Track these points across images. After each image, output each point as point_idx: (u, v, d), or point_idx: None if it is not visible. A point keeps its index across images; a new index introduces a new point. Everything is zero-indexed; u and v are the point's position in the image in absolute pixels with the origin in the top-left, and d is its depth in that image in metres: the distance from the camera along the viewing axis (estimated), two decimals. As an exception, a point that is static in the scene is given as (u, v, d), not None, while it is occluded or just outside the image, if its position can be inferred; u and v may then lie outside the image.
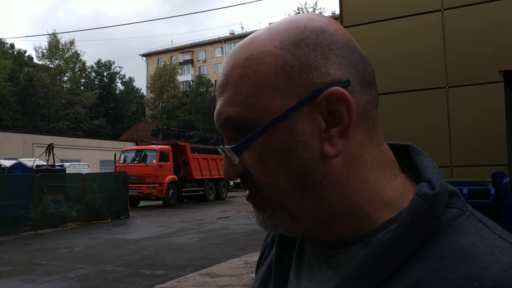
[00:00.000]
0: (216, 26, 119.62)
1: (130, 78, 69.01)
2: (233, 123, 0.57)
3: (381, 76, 6.98)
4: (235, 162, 0.57)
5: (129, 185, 17.93)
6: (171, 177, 21.16)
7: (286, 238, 0.65)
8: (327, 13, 47.63)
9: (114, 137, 50.61)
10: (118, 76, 64.62)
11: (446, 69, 6.67)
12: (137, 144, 30.00)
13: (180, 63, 68.88)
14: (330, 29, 0.58)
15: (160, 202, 21.79)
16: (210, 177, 23.58)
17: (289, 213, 0.56)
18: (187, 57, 70.86)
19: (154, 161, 20.81)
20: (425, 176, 0.56)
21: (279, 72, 0.55)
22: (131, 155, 21.93)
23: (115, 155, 22.71)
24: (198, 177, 22.83)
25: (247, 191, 0.59)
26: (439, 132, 6.70)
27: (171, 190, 21.24)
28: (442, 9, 6.64)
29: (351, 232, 0.57)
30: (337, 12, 7.28)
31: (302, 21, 0.58)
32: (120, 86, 65.79)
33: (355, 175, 0.56)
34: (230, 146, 0.57)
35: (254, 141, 0.55)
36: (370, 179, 0.57)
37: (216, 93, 0.61)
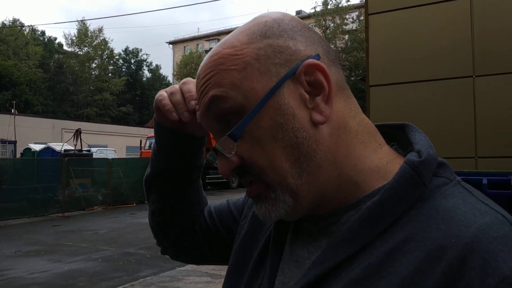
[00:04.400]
0: (239, 14, 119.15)
1: (156, 65, 69.79)
2: (219, 107, 0.59)
3: (407, 64, 6.88)
4: (232, 152, 0.59)
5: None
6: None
7: None
8: (356, 0, 46.85)
9: (141, 123, 51.44)
10: (145, 63, 65.37)
11: (473, 57, 6.52)
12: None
13: (206, 51, 69.10)
14: (287, 18, 0.63)
15: (184, 188, 22.01)
16: None
17: (290, 191, 0.58)
18: (213, 44, 70.92)
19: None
20: (416, 147, 0.60)
21: (256, 59, 0.59)
22: (157, 141, 22.22)
23: (140, 141, 23.08)
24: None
25: (248, 188, 0.62)
26: (465, 122, 6.57)
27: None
28: (470, -4, 6.46)
29: (343, 201, 0.60)
30: (362, -2, 7.17)
31: (260, 18, 0.63)
32: (147, 73, 66.58)
33: (343, 141, 0.59)
34: (226, 134, 0.59)
35: (248, 123, 0.57)
36: (356, 146, 0.60)
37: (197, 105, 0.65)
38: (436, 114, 6.69)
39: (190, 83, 0.78)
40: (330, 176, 0.59)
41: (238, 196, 0.93)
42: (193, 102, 0.75)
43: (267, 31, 0.60)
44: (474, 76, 6.59)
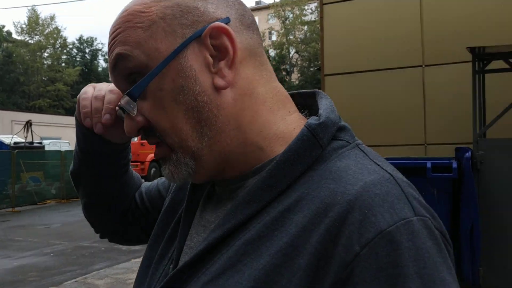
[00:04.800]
0: None
1: (113, 55, 67.83)
2: (123, 65, 0.59)
3: (361, 54, 7.00)
4: (135, 112, 0.58)
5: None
6: (153, 155, 21.03)
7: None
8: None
9: (97, 115, 49.92)
10: (100, 53, 63.52)
11: (423, 48, 6.71)
12: (119, 122, 29.67)
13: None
14: None
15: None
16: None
17: (191, 154, 0.58)
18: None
19: (135, 139, 20.67)
20: (319, 112, 0.60)
21: (162, 18, 0.57)
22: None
23: (96, 133, 22.49)
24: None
25: (155, 150, 0.62)
26: (415, 110, 6.78)
27: (153, 169, 21.13)
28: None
29: (249, 166, 0.60)
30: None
31: None
32: (102, 63, 64.70)
33: (248, 107, 0.59)
34: (126, 93, 0.58)
35: (149, 83, 0.56)
36: (263, 112, 0.60)
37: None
38: (387, 102, 6.87)
39: (116, 94, 0.74)
40: (233, 141, 0.59)
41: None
42: (107, 116, 0.73)
43: None
44: (423, 66, 6.80)
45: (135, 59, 0.57)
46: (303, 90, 0.69)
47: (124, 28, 0.59)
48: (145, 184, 0.96)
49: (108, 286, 5.38)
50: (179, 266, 0.60)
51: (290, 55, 48.15)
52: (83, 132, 0.81)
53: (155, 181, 0.95)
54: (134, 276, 5.74)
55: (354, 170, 0.53)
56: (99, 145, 0.81)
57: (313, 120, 0.58)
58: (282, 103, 0.62)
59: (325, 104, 0.62)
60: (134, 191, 0.93)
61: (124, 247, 7.48)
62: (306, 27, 46.18)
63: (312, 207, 0.51)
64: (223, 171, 0.61)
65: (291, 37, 48.21)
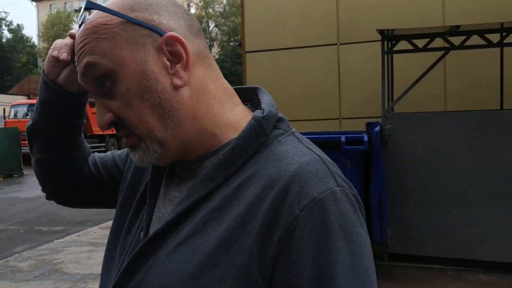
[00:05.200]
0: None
1: (18, 25, 62.62)
2: (93, 72, 0.69)
3: (280, 32, 7.22)
4: (107, 110, 0.70)
5: (22, 142, 16.79)
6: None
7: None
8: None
9: (3, 90, 46.34)
10: (4, 22, 58.36)
11: (338, 27, 7.07)
12: (29, 98, 27.90)
13: (76, 10, 63.83)
14: None
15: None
16: (111, 132, 22.81)
17: (158, 141, 0.70)
18: (83, 3, 65.62)
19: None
20: (262, 106, 0.75)
21: (124, 30, 0.69)
22: (23, 109, 20.37)
23: (4, 109, 20.98)
24: (98, 133, 21.92)
25: (124, 139, 0.73)
26: (331, 87, 7.18)
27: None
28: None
29: (205, 150, 0.73)
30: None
31: None
32: (7, 33, 59.56)
33: (202, 102, 0.71)
34: (100, 94, 0.70)
35: (117, 86, 0.68)
36: (214, 105, 0.72)
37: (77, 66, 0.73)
38: (305, 78, 7.20)
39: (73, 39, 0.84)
40: (192, 130, 0.71)
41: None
42: (65, 55, 0.83)
43: (134, 5, 0.69)
44: (338, 45, 7.18)
45: (103, 66, 0.68)
46: (246, 86, 0.83)
47: (90, 39, 0.69)
48: (98, 154, 1.05)
49: (33, 268, 5.25)
50: (152, 233, 0.71)
51: (210, 29, 47.59)
52: (45, 82, 0.89)
53: (109, 153, 1.04)
54: (60, 256, 5.65)
55: (292, 153, 0.67)
56: (59, 95, 0.89)
57: (258, 113, 0.71)
58: (229, 97, 0.75)
59: (266, 99, 0.76)
60: (86, 156, 1.02)
61: (45, 228, 7.26)
62: (225, 0, 45.77)
63: (261, 182, 0.65)
64: (183, 154, 0.73)
65: (210, 10, 47.60)
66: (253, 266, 0.61)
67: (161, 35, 0.69)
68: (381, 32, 4.61)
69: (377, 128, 4.14)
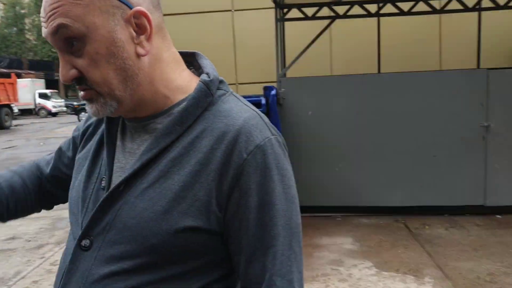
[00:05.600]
0: None
1: None
2: (64, 33, 0.76)
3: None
4: (73, 66, 0.78)
5: None
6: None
7: (112, 118, 0.89)
8: None
9: None
10: None
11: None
12: None
13: None
14: None
15: None
16: (3, 103, 20.77)
17: (117, 99, 0.80)
18: None
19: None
20: (205, 70, 0.86)
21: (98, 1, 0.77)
22: None
23: None
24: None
25: (82, 92, 0.81)
26: (227, 52, 7.36)
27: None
28: None
29: (157, 109, 0.83)
30: None
31: None
32: None
33: (158, 68, 0.81)
34: (66, 53, 0.77)
35: (86, 48, 0.76)
36: (167, 71, 0.82)
37: (42, 19, 0.79)
38: (201, 45, 7.30)
39: None
40: (147, 92, 0.81)
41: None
42: None
43: None
44: (233, 11, 7.36)
45: (76, 29, 0.74)
46: (184, 51, 0.91)
47: (64, 2, 0.73)
48: (42, 163, 1.13)
49: None
50: (120, 180, 0.80)
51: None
52: None
53: (54, 153, 1.10)
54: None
55: (236, 110, 0.81)
56: None
57: (205, 77, 0.83)
58: (178, 64, 0.85)
59: (208, 64, 0.88)
60: (36, 181, 1.10)
61: None
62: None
63: (214, 134, 0.78)
64: (135, 111, 0.83)
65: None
66: (212, 199, 0.76)
67: (130, 8, 0.76)
68: (273, 0, 4.87)
69: (274, 92, 4.46)
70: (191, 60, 0.92)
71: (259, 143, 0.77)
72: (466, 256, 3.84)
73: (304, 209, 5.03)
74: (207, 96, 0.82)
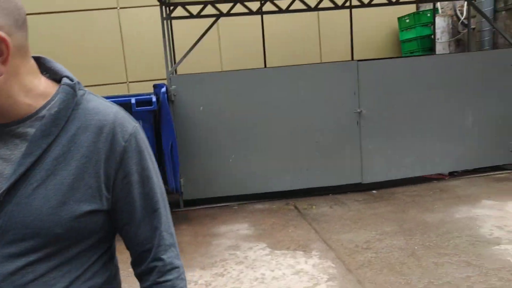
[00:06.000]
0: None
1: None
2: None
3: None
4: None
5: None
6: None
7: None
8: None
9: None
10: None
11: (116, -9, 7.08)
12: None
13: None
14: None
15: None
16: None
17: None
18: None
19: None
20: (63, 74, 0.94)
21: None
22: None
23: None
24: None
25: None
26: (115, 51, 7.23)
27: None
28: None
29: (22, 115, 0.88)
30: None
31: None
32: None
33: (15, 83, 0.86)
34: None
35: None
36: (26, 82, 0.88)
37: None
38: (86, 43, 7.10)
39: None
40: (6, 104, 0.86)
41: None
42: None
43: None
44: (118, 8, 7.25)
45: None
46: (32, 55, 0.92)
47: None
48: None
49: None
50: (7, 185, 0.83)
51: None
52: None
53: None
54: None
55: (102, 107, 0.93)
56: None
57: (67, 81, 0.92)
58: (35, 73, 0.90)
59: (61, 67, 0.94)
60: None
61: None
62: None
63: (91, 130, 0.89)
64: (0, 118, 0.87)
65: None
66: (102, 184, 0.90)
67: None
68: (159, -1, 4.94)
69: (164, 89, 4.54)
70: (41, 65, 0.96)
71: (131, 131, 0.94)
72: (347, 229, 4.30)
73: (201, 201, 5.22)
74: (73, 97, 0.91)
